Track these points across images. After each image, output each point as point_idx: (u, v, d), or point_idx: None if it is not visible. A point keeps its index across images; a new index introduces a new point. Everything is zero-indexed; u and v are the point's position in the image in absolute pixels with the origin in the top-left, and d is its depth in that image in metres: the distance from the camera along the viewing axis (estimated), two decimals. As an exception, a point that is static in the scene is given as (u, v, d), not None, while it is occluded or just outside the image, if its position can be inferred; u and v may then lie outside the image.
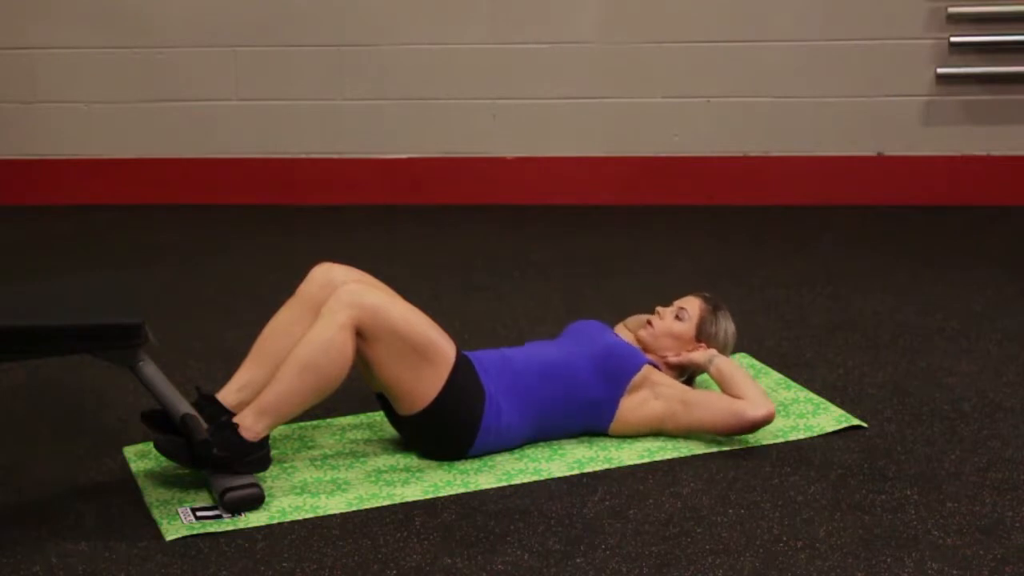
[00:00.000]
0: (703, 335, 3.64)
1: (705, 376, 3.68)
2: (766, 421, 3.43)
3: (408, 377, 3.31)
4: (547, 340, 3.68)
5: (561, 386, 3.46)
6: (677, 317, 3.65)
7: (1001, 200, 5.81)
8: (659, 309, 3.70)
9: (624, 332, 3.82)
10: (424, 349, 3.31)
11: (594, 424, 3.52)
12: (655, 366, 3.55)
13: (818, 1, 5.76)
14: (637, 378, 3.49)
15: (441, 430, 3.38)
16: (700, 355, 3.59)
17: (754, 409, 3.42)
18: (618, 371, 3.49)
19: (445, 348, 3.36)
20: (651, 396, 3.50)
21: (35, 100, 6.12)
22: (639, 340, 3.67)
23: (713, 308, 3.68)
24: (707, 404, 3.47)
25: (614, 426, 3.51)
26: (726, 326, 3.67)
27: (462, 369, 3.37)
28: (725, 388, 3.50)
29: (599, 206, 6.00)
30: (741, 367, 3.56)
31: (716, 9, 5.80)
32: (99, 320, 3.14)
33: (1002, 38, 5.69)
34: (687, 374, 3.66)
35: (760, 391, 3.47)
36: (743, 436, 3.50)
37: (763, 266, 5.08)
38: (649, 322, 3.67)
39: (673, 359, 3.62)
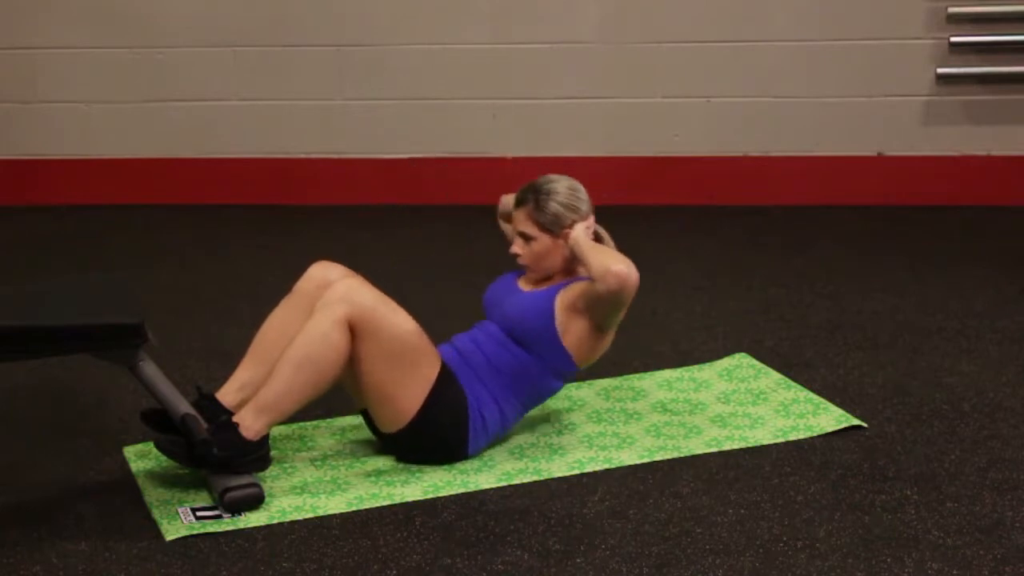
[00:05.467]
0: (556, 227, 3.47)
1: None
2: (630, 271, 3.30)
3: (392, 383, 3.30)
4: (486, 322, 3.57)
5: (515, 360, 3.42)
6: (527, 242, 3.48)
7: (1001, 200, 5.80)
8: (512, 251, 3.52)
9: (506, 227, 3.69)
10: (411, 354, 3.30)
11: (563, 369, 3.45)
12: (558, 288, 3.46)
13: (818, 1, 5.75)
14: (558, 317, 3.40)
15: (430, 442, 3.38)
16: (566, 246, 3.45)
17: (616, 263, 3.30)
18: (540, 327, 3.41)
19: (431, 358, 3.35)
20: (570, 317, 3.41)
21: (35, 100, 6.12)
22: (530, 281, 3.55)
23: (534, 204, 3.46)
24: (589, 281, 3.36)
25: (577, 359, 3.43)
26: (556, 198, 3.47)
27: (444, 381, 3.35)
28: (584, 260, 3.37)
29: (599, 206, 5.95)
30: (587, 240, 3.43)
31: (716, 9, 5.79)
32: (99, 320, 3.15)
33: (1002, 38, 5.68)
34: (579, 261, 3.48)
35: (612, 252, 3.37)
36: (743, 435, 3.51)
37: (763, 266, 5.07)
38: (523, 265, 3.53)
39: (560, 266, 3.49)
